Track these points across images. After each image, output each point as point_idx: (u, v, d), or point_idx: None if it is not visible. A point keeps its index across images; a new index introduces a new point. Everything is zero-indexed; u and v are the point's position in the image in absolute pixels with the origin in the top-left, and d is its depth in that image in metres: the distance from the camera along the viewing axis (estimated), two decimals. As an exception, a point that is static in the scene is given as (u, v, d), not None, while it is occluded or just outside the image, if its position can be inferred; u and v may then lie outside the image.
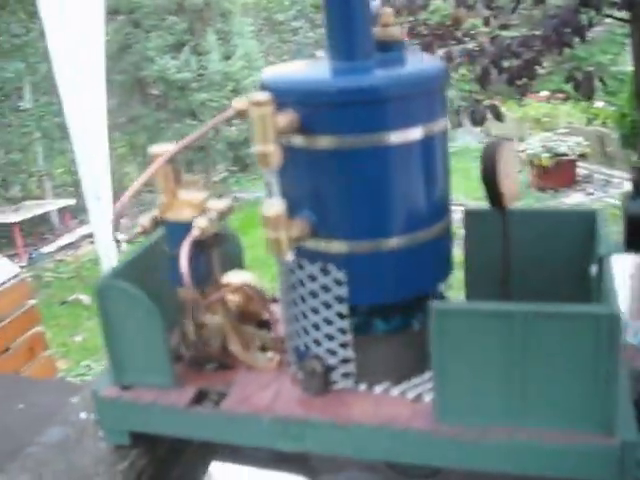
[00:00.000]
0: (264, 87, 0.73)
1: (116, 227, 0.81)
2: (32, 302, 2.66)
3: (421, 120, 0.71)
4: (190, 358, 0.85)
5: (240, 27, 7.08)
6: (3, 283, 2.59)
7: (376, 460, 0.78)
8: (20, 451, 0.88)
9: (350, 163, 0.70)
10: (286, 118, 0.69)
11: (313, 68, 0.78)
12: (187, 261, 0.73)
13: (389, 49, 0.75)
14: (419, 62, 0.77)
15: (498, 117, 3.25)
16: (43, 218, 6.15)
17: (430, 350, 0.68)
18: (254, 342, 0.86)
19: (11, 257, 5.06)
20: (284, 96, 0.71)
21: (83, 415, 0.91)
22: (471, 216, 0.87)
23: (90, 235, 4.46)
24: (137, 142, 6.94)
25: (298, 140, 0.71)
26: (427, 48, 3.88)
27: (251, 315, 0.89)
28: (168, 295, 0.82)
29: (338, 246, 0.73)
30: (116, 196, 5.27)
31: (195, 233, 0.75)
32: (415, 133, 0.71)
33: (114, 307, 0.79)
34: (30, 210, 5.89)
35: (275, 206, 0.68)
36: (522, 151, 6.21)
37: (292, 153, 0.72)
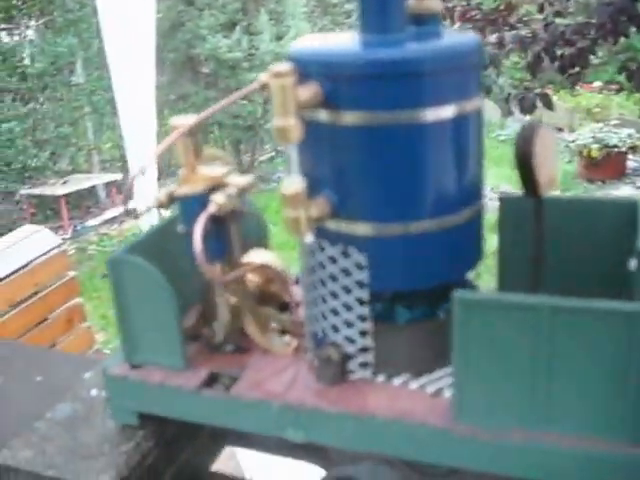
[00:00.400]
0: (290, 59, 0.68)
1: (128, 197, 0.76)
2: (72, 274, 2.66)
3: (455, 97, 0.66)
4: (207, 339, 0.81)
5: (293, 8, 7.03)
6: (44, 254, 2.60)
7: (389, 455, 0.73)
8: (29, 425, 0.85)
9: (378, 141, 0.65)
10: (309, 91, 0.64)
11: (342, 40, 0.73)
12: (201, 238, 0.69)
13: (424, 23, 0.70)
14: (455, 37, 0.72)
15: (548, 105, 3.16)
16: (90, 192, 6.22)
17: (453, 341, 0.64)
18: (272, 325, 0.82)
19: (56, 229, 5.13)
20: (308, 68, 0.66)
21: (94, 392, 0.88)
22: (506, 203, 0.81)
23: (134, 210, 4.50)
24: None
25: (322, 115, 0.66)
26: (479, 33, 3.79)
27: (271, 297, 0.85)
28: (186, 274, 0.78)
29: (360, 228, 0.68)
30: (161, 173, 5.32)
31: (211, 209, 0.71)
32: (448, 111, 0.65)
33: (127, 282, 0.75)
34: (77, 183, 5.94)
35: (294, 184, 0.64)
36: (572, 141, 6.07)
37: (315, 129, 0.67)
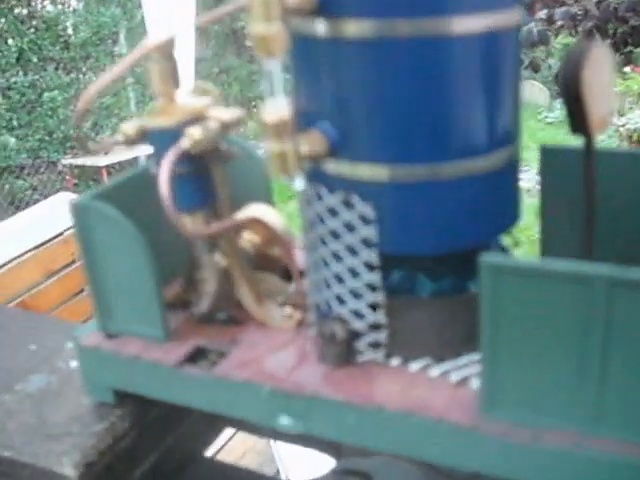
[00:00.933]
0: None
1: (78, 127, 0.64)
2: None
3: (487, 6, 0.52)
4: (195, 308, 0.69)
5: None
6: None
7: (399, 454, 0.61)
8: (11, 387, 0.75)
9: (390, 59, 0.51)
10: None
11: None
12: (168, 178, 0.56)
13: None
14: None
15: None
16: (131, 163, 6.15)
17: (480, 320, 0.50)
18: (271, 294, 0.69)
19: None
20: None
21: (73, 364, 0.77)
22: (549, 154, 0.67)
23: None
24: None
25: (318, 26, 0.52)
26: (529, 8, 3.60)
27: (272, 262, 0.73)
28: (174, 235, 0.66)
29: (365, 171, 0.54)
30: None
31: (183, 145, 0.58)
32: (479, 23, 0.51)
33: (94, 235, 0.63)
34: (119, 154, 5.88)
35: (279, 108, 0.51)
36: (622, 126, 5.85)
37: (308, 44, 0.54)
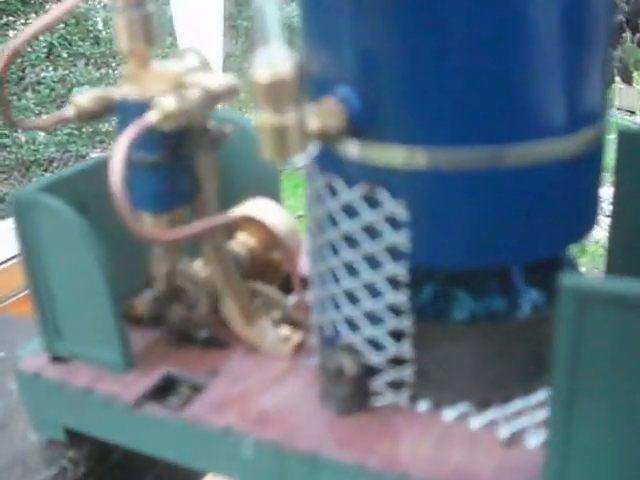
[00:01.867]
0: None
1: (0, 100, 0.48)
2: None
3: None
4: (172, 325, 0.54)
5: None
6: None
7: None
8: None
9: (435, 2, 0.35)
10: None
11: None
12: (122, 166, 0.40)
13: None
14: None
15: (628, 80, 2.79)
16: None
17: (552, 355, 0.34)
18: (266, 310, 0.53)
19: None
20: None
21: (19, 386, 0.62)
22: (627, 139, 0.49)
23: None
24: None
25: None
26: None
27: (270, 270, 0.57)
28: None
29: (397, 155, 0.38)
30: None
31: (151, 117, 0.42)
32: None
33: (39, 236, 0.47)
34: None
35: (277, 61, 0.35)
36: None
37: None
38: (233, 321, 0.51)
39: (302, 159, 0.39)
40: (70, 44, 5.33)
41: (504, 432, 0.42)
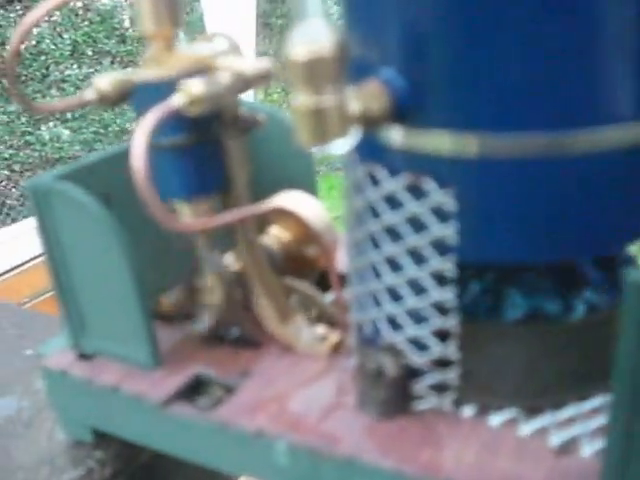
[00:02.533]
0: None
1: (11, 76, 0.45)
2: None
3: None
4: (197, 323, 0.52)
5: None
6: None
7: None
8: None
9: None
10: None
11: None
12: (144, 151, 0.38)
13: None
14: None
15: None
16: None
17: (612, 358, 0.31)
18: (301, 308, 0.51)
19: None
20: None
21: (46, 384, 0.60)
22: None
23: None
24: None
25: None
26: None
27: (307, 264, 0.55)
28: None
29: (446, 142, 0.35)
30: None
31: (176, 101, 0.40)
32: None
33: (60, 227, 0.45)
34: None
35: (314, 38, 0.33)
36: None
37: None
38: (266, 319, 0.49)
39: (342, 145, 0.37)
40: (95, 42, 5.35)
41: (555, 440, 0.39)
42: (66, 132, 5.33)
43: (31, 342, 0.85)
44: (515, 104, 0.34)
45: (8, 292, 2.22)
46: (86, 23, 5.28)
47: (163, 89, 0.41)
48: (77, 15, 5.23)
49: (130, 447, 0.52)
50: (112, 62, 5.77)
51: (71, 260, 0.46)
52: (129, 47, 5.71)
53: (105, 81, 0.43)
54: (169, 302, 0.51)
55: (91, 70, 5.38)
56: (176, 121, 0.40)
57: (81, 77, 5.28)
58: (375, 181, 0.38)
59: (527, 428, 0.40)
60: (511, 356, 0.41)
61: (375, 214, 0.39)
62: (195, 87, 0.39)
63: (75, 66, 5.25)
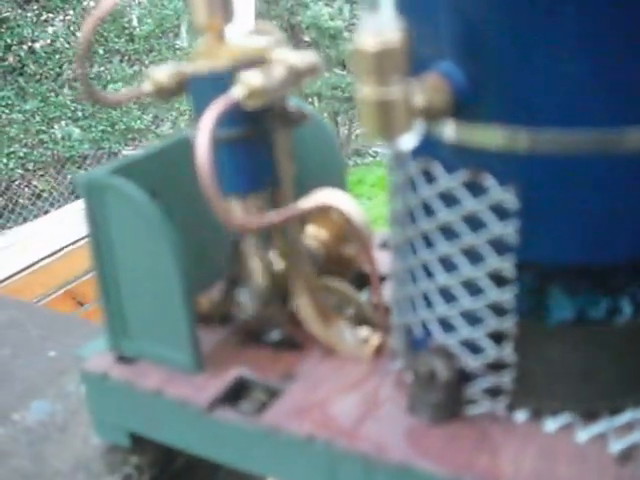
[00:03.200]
0: None
1: (82, 68, 0.44)
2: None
3: None
4: (241, 324, 0.50)
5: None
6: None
7: None
8: (8, 417, 0.58)
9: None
10: None
11: None
12: (209, 144, 0.37)
13: None
14: None
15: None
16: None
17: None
18: (342, 309, 0.50)
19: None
20: None
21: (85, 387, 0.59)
22: None
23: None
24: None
25: None
26: None
27: (344, 264, 0.53)
28: (213, 226, 0.48)
29: (506, 137, 0.34)
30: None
31: (236, 94, 0.39)
32: None
33: (109, 224, 0.44)
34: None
35: (387, 29, 0.31)
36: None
37: None
38: (308, 321, 0.48)
39: (409, 140, 0.35)
40: (106, 41, 5.34)
41: (616, 446, 0.38)
42: (77, 131, 5.33)
43: (54, 343, 0.84)
44: (569, 99, 0.33)
45: (21, 291, 2.22)
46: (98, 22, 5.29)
47: (218, 81, 0.40)
48: (90, 15, 5.23)
49: (166, 452, 0.51)
50: (121, 60, 5.76)
51: (118, 259, 0.45)
52: (137, 45, 5.71)
53: (162, 73, 0.42)
54: (207, 302, 0.50)
55: (102, 69, 5.38)
56: (231, 114, 0.39)
57: (92, 76, 5.27)
58: (430, 177, 0.37)
59: (585, 434, 0.39)
60: (566, 358, 0.40)
61: (429, 211, 0.38)
62: (254, 79, 0.38)
63: (87, 65, 5.25)
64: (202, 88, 0.41)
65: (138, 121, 5.56)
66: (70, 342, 0.84)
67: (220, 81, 0.40)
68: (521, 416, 0.40)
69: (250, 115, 0.40)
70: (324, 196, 0.48)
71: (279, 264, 0.48)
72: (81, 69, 0.40)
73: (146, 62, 5.83)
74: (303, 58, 0.41)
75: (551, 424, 0.40)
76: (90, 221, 0.45)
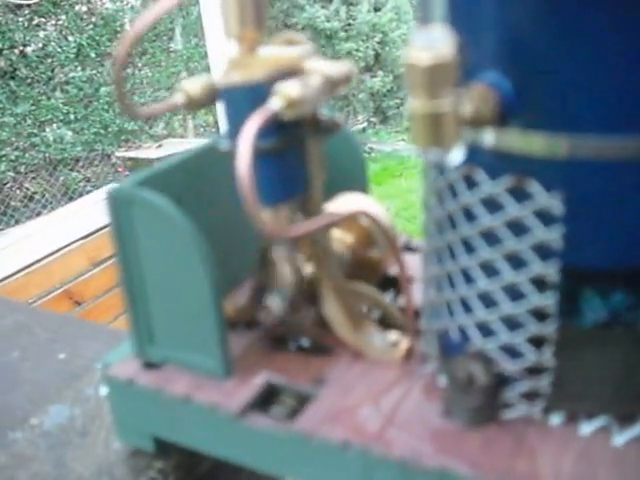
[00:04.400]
0: None
1: (119, 83, 0.43)
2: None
3: None
4: (268, 329, 0.50)
5: (391, -21, 6.62)
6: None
7: None
8: (26, 421, 0.57)
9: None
10: None
11: None
12: (250, 156, 0.36)
13: None
14: None
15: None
16: (184, 158, 5.98)
17: None
18: (370, 313, 0.49)
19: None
20: None
21: (104, 391, 0.58)
22: None
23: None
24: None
25: None
26: None
27: (370, 267, 0.53)
28: (236, 232, 0.47)
29: (538, 142, 0.33)
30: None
31: (274, 104, 0.38)
32: None
33: (137, 234, 0.43)
34: (172, 148, 5.73)
35: (439, 43, 0.30)
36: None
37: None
38: (336, 325, 0.47)
39: (458, 151, 0.34)
40: (98, 44, 5.32)
41: (654, 449, 0.37)
42: (69, 133, 5.30)
43: (63, 346, 0.83)
44: (608, 107, 0.32)
45: (17, 292, 2.21)
46: (90, 26, 5.25)
47: (254, 92, 0.39)
48: (82, 19, 5.19)
49: (190, 457, 0.50)
50: (114, 64, 5.73)
51: (145, 267, 0.44)
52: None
53: (194, 86, 0.41)
54: (233, 308, 0.49)
55: (94, 72, 5.36)
56: (266, 126, 0.38)
57: (84, 79, 5.25)
58: (471, 183, 0.36)
59: (622, 437, 0.38)
60: (602, 361, 0.39)
61: (470, 217, 0.37)
62: (293, 90, 0.37)
63: (79, 68, 5.21)
64: (237, 100, 0.40)
65: (131, 122, 5.53)
66: (80, 344, 0.83)
67: (256, 92, 0.39)
68: (556, 419, 0.40)
69: (284, 126, 0.40)
70: (351, 200, 0.48)
71: (307, 269, 0.47)
72: (118, 83, 0.39)
73: (139, 65, 5.81)
74: (338, 67, 0.40)
75: (586, 427, 0.39)
76: (116, 232, 0.44)
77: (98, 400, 0.57)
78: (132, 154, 5.74)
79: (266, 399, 0.44)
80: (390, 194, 4.61)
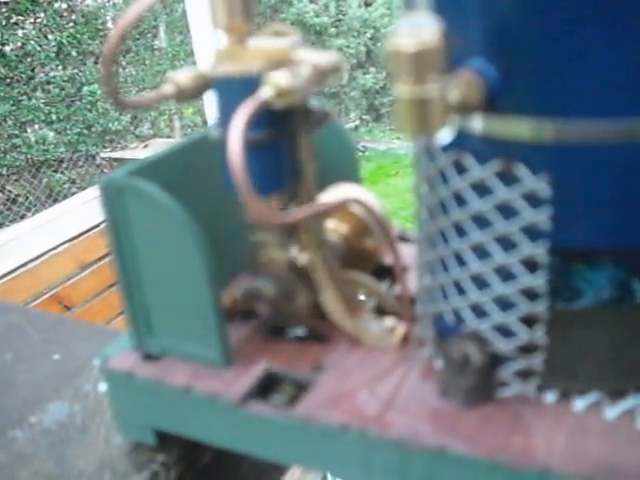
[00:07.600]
0: None
1: (108, 76, 0.44)
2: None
3: None
4: (266, 318, 0.51)
5: (383, -26, 6.64)
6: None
7: None
8: (25, 420, 0.58)
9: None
10: None
11: None
12: (241, 145, 0.38)
13: None
14: None
15: None
16: (171, 157, 5.99)
17: None
18: (366, 301, 0.51)
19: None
20: None
21: (103, 387, 0.60)
22: None
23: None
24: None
25: None
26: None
27: (364, 257, 0.54)
28: (229, 219, 0.49)
29: (524, 128, 0.35)
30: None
31: (264, 94, 0.40)
32: None
33: (131, 224, 0.45)
34: (158, 148, 5.73)
35: (424, 29, 0.32)
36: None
37: None
38: (332, 313, 0.49)
39: (444, 135, 0.36)
40: (80, 43, 5.31)
41: (646, 423, 0.39)
42: (51, 134, 5.29)
43: (57, 346, 0.85)
44: (593, 91, 0.34)
45: (3, 298, 2.22)
46: (71, 24, 5.25)
47: (244, 83, 0.41)
48: (62, 16, 5.19)
49: (192, 449, 0.52)
50: (96, 62, 5.73)
51: (141, 258, 0.45)
52: (112, 47, 5.68)
53: (184, 76, 0.43)
54: (229, 299, 0.51)
55: (75, 71, 5.35)
56: (256, 117, 0.40)
57: (66, 78, 5.24)
58: (461, 169, 0.38)
59: (613, 411, 0.40)
60: (594, 339, 0.41)
61: (460, 202, 0.39)
62: (282, 79, 0.39)
63: (60, 67, 5.21)
64: (227, 90, 0.42)
65: (116, 122, 5.54)
66: (74, 345, 0.84)
67: (246, 83, 0.41)
68: (551, 397, 0.42)
69: (274, 117, 0.41)
70: (345, 191, 0.50)
71: (302, 258, 0.49)
72: (106, 73, 0.41)
73: (123, 63, 5.81)
74: (326, 57, 0.42)
75: (580, 403, 0.41)
76: (110, 222, 0.46)
77: (97, 396, 0.59)
78: (118, 155, 5.75)
79: (266, 387, 0.46)
80: (386, 193, 4.62)
